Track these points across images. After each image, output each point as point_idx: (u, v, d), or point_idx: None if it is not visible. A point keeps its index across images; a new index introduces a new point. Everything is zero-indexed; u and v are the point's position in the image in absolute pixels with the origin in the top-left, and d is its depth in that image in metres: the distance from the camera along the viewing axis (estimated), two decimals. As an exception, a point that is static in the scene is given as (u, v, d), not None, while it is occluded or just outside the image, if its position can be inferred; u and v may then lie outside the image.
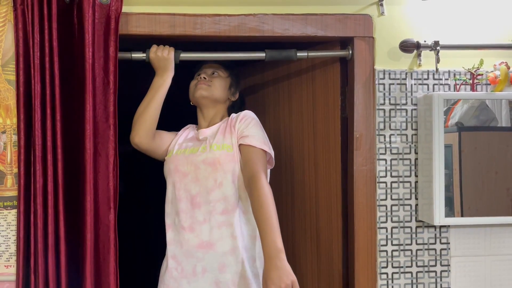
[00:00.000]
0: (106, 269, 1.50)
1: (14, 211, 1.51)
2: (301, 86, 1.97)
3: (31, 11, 1.44)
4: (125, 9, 1.57)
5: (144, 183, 3.15)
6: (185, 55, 1.68)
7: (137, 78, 1.87)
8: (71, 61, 1.49)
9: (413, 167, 1.73)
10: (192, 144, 1.68)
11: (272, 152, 1.63)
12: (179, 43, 1.70)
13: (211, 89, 1.71)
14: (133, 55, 1.65)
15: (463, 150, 1.68)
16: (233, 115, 1.70)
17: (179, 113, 1.99)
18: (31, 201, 1.45)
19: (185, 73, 1.80)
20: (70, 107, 1.49)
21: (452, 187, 1.68)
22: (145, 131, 1.62)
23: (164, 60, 1.63)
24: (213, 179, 1.58)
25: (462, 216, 1.66)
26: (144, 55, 1.65)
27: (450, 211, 1.67)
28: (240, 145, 1.60)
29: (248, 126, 1.61)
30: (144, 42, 1.68)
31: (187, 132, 1.77)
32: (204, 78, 1.72)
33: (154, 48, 1.64)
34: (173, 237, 1.63)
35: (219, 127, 1.68)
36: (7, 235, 1.52)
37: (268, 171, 1.67)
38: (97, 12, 1.49)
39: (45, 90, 1.45)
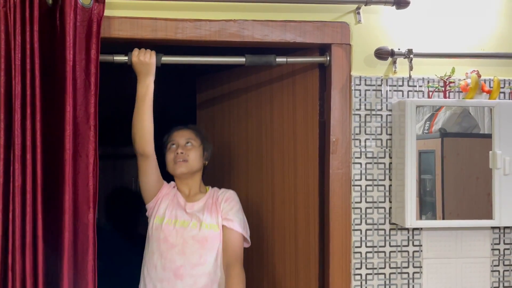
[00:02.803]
0: (84, 268, 1.52)
1: (-7, 210, 1.53)
2: (282, 91, 2.02)
3: (13, 13, 1.46)
4: (107, 12, 1.60)
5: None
6: (166, 59, 1.71)
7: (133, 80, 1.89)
8: (52, 63, 1.52)
9: (387, 171, 1.78)
10: (182, 216, 1.76)
11: (248, 236, 1.81)
12: (161, 46, 1.73)
13: (189, 164, 1.81)
14: (115, 57, 1.68)
15: (445, 155, 1.73)
16: (216, 190, 1.84)
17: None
18: (9, 200, 1.47)
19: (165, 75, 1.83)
20: (50, 108, 1.51)
21: (434, 192, 1.72)
22: (149, 139, 1.69)
23: (146, 64, 1.66)
24: (199, 255, 1.71)
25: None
26: (126, 58, 1.68)
27: (432, 216, 1.71)
28: (223, 226, 1.77)
29: (232, 210, 1.79)
30: (126, 45, 1.72)
31: (172, 195, 1.81)
32: (181, 153, 1.80)
33: (136, 52, 1.67)
34: None
35: (205, 203, 1.80)
36: (-14, 233, 1.53)
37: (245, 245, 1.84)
38: (79, 15, 1.52)
39: (26, 91, 1.47)
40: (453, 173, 1.72)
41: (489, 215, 1.71)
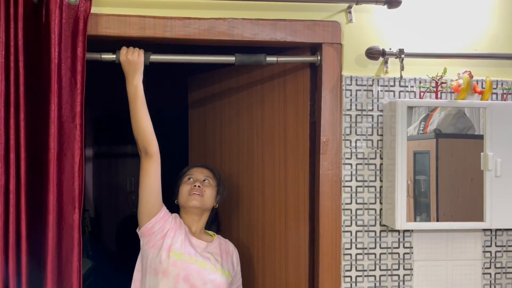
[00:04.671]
0: (69, 268, 1.51)
1: (-24, 210, 1.51)
2: (273, 91, 2.00)
3: (-3, 10, 1.45)
4: (94, 10, 1.58)
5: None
6: (155, 57, 1.69)
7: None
8: (37, 61, 1.50)
9: (378, 172, 1.76)
10: (198, 256, 1.72)
11: None
12: (153, 45, 1.71)
13: (203, 200, 1.80)
14: (102, 56, 1.66)
15: (440, 156, 1.71)
16: (223, 239, 1.86)
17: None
18: (-8, 199, 1.45)
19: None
20: (35, 107, 1.49)
21: (429, 193, 1.71)
22: (150, 138, 1.66)
23: (135, 63, 1.64)
24: None
25: (437, 221, 1.68)
26: (114, 56, 1.66)
27: (427, 217, 1.69)
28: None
29: (240, 273, 1.88)
30: (116, 43, 1.70)
31: (184, 229, 1.76)
32: (199, 186, 1.80)
33: (124, 50, 1.65)
34: None
35: (220, 248, 1.81)
36: (-31, 233, 1.51)
37: None
38: (64, 12, 1.50)
39: (9, 88, 1.45)
40: (447, 174, 1.71)
41: (482, 217, 1.69)
